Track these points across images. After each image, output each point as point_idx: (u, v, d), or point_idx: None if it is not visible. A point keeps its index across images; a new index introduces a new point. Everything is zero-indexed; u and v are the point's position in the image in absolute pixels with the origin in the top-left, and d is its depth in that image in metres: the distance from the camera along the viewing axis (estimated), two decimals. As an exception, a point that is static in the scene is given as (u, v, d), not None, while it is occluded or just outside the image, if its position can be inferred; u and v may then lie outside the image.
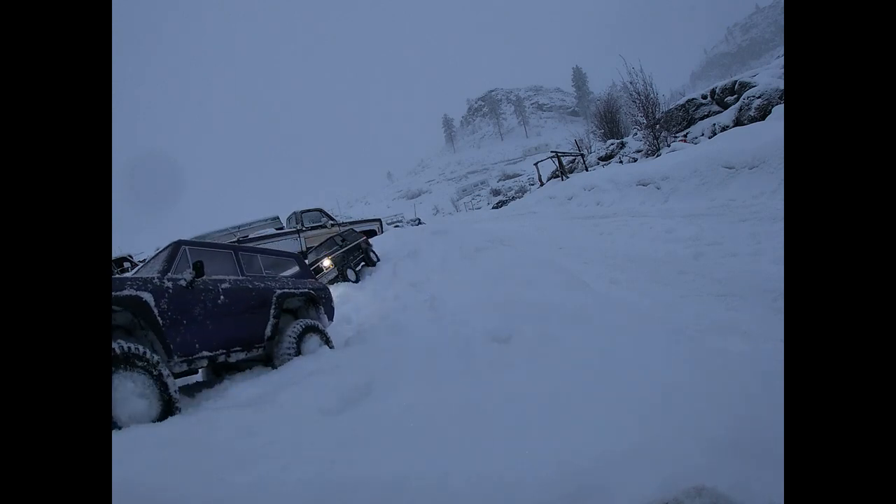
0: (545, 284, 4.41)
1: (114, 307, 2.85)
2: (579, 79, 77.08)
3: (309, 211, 12.77)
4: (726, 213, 6.40)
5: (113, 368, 2.51)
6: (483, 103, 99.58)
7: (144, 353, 2.69)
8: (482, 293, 4.18)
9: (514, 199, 26.00)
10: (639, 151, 16.30)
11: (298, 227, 12.18)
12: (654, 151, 15.01)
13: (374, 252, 9.32)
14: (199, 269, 3.34)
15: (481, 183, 65.40)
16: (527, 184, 38.63)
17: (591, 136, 26.57)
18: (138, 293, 2.97)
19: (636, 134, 17.70)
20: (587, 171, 17.79)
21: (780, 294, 3.35)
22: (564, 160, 21.06)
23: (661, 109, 15.84)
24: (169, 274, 3.29)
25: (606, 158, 18.71)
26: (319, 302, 4.71)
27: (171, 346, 3.07)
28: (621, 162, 16.50)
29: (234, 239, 11.20)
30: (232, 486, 1.67)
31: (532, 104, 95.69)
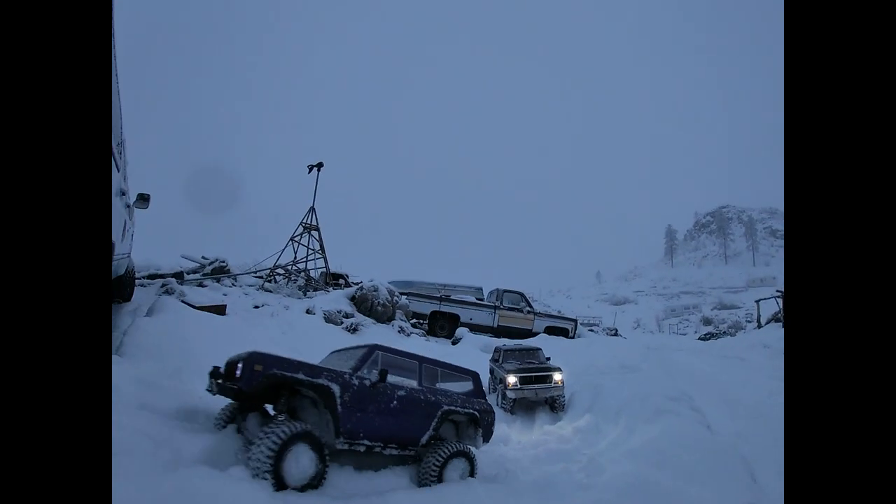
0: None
1: (309, 390, 3.69)
2: (824, 210, 72.11)
3: (510, 292, 13.75)
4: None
5: (297, 442, 3.28)
6: (712, 219, 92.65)
7: (314, 432, 3.46)
8: (643, 474, 4.05)
9: (724, 333, 23.28)
10: None
11: (497, 303, 13.27)
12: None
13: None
14: (383, 376, 4.06)
15: (693, 307, 60.58)
16: (743, 320, 35.96)
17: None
18: (329, 384, 3.72)
19: None
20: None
21: None
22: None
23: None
24: (359, 372, 4.04)
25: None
26: (480, 424, 4.90)
27: (341, 429, 3.76)
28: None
29: (438, 294, 13.26)
30: None
31: (765, 228, 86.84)
